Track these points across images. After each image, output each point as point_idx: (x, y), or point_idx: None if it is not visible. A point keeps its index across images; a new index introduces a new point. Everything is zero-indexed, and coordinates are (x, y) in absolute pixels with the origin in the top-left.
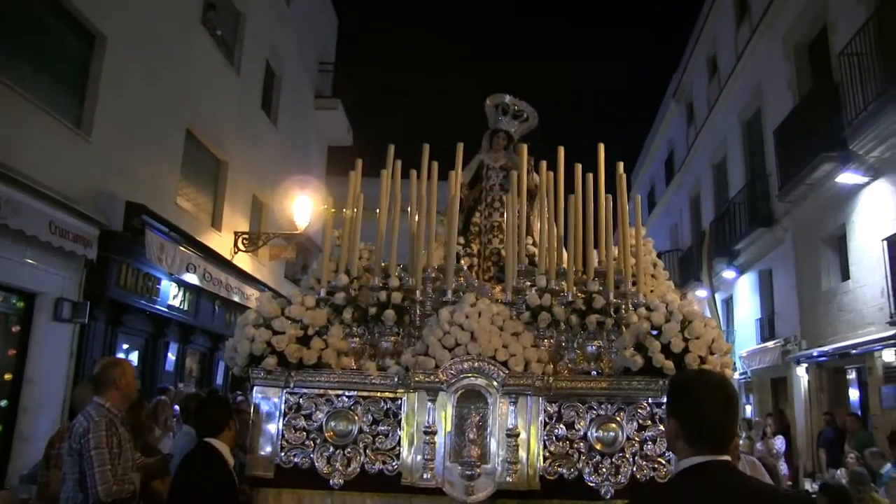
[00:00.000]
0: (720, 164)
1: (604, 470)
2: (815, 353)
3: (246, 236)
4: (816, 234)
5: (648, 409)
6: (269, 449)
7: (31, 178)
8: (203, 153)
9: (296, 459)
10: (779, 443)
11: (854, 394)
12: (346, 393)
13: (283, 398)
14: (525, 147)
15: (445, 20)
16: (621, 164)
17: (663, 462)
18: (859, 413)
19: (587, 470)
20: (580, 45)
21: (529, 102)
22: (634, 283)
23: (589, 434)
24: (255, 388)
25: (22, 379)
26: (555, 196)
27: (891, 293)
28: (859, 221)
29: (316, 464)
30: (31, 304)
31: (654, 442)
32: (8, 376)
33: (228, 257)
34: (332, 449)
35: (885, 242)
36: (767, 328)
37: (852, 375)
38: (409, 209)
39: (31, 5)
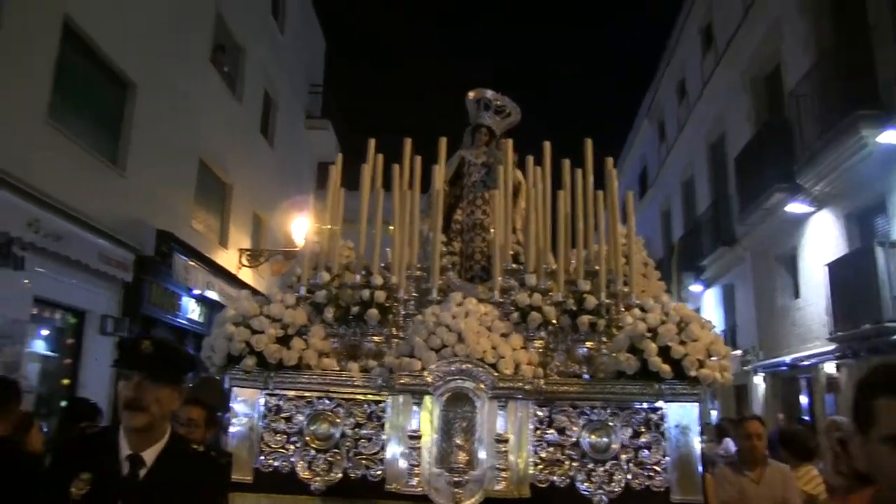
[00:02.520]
0: (688, 182)
1: (596, 477)
2: (779, 363)
3: (249, 252)
4: (772, 254)
5: (643, 414)
6: (247, 452)
7: (82, 212)
8: (212, 178)
9: (275, 464)
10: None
11: (804, 400)
12: (328, 395)
13: (263, 400)
14: (510, 142)
15: (431, 28)
16: (611, 160)
17: (659, 470)
18: (807, 418)
19: (579, 477)
20: (561, 58)
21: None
22: (626, 283)
23: (581, 440)
24: (232, 390)
25: (76, 384)
26: (542, 192)
27: (831, 313)
28: (807, 246)
29: (296, 468)
30: (82, 320)
31: (650, 449)
32: (66, 381)
33: (234, 272)
34: (313, 453)
35: (827, 268)
36: (730, 339)
37: (803, 384)
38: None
39: (75, 60)
